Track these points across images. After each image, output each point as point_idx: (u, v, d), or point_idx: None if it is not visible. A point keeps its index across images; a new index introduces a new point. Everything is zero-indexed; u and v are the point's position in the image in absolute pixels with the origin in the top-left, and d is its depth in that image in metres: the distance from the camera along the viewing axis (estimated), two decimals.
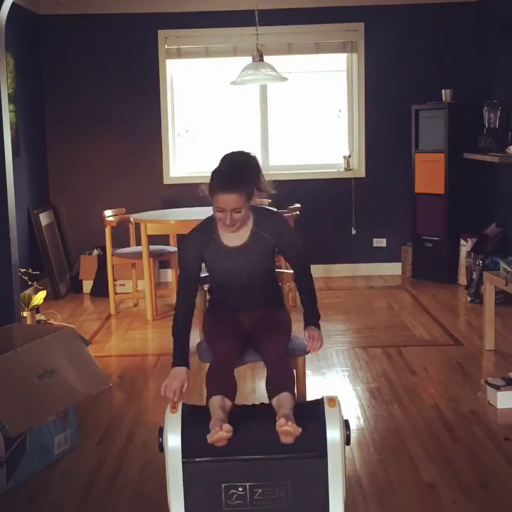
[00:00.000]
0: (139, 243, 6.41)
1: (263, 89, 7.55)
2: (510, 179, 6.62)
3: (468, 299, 6.39)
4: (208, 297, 3.58)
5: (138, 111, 7.45)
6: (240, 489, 2.74)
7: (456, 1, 7.30)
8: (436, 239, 7.18)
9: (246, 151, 3.29)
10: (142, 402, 4.37)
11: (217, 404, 2.91)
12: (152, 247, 6.25)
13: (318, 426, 2.77)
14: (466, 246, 6.87)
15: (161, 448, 2.79)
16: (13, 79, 6.46)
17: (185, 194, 7.37)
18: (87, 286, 7.17)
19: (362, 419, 3.99)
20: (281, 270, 3.82)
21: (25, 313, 5.37)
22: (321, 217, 7.41)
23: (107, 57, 7.40)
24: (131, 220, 6.48)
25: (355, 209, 7.56)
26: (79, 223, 7.55)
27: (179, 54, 7.40)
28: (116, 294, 6.46)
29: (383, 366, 4.83)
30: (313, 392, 3.69)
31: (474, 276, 6.31)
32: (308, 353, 3.36)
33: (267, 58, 6.27)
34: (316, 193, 7.44)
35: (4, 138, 4.50)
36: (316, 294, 3.46)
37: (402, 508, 3.09)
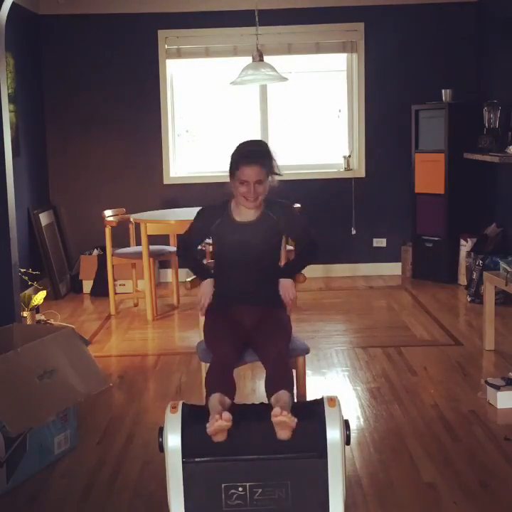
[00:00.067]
0: (139, 243, 6.41)
1: (263, 89, 7.55)
2: (510, 179, 6.62)
3: (468, 299, 6.39)
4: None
5: (138, 111, 7.45)
6: (240, 489, 2.74)
7: (456, 1, 7.31)
8: (436, 239, 7.18)
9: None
10: (142, 402, 4.37)
11: (217, 400, 2.91)
12: (152, 247, 6.25)
13: (318, 426, 2.78)
14: (466, 246, 6.87)
15: (161, 448, 2.79)
16: (13, 79, 6.46)
17: (185, 194, 7.38)
18: (87, 286, 7.18)
19: (362, 419, 3.99)
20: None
21: (25, 313, 5.37)
22: (321, 217, 7.40)
23: (107, 57, 7.40)
24: (131, 220, 6.48)
25: (355, 209, 7.56)
26: (79, 223, 7.55)
27: (179, 54, 7.40)
28: (116, 294, 6.46)
29: (383, 366, 4.83)
30: (313, 392, 3.69)
31: (474, 276, 6.31)
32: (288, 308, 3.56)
33: (267, 58, 6.27)
34: (316, 193, 7.44)
35: (4, 138, 4.50)
36: (309, 258, 3.66)
37: (402, 508, 3.09)
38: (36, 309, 5.70)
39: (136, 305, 6.67)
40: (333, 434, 2.75)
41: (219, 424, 2.71)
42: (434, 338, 5.44)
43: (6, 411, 3.24)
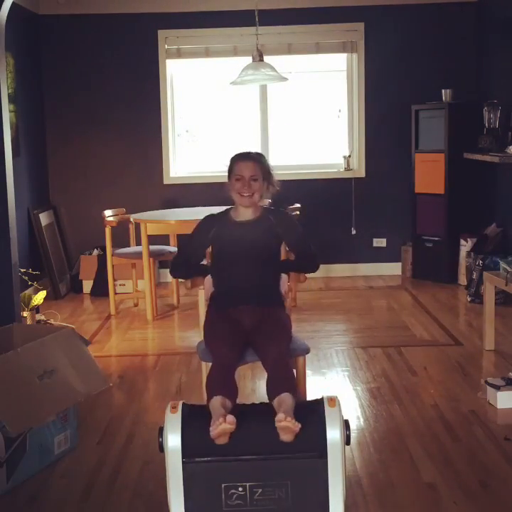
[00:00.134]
0: (139, 243, 6.41)
1: (263, 89, 7.55)
2: (510, 179, 6.62)
3: (468, 299, 6.39)
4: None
5: (138, 111, 7.45)
6: (240, 489, 2.74)
7: (456, 1, 7.31)
8: (436, 239, 7.18)
9: None
10: (142, 402, 4.37)
11: (219, 403, 2.89)
12: (152, 247, 6.25)
13: (318, 426, 2.77)
14: (466, 246, 6.87)
15: (161, 448, 2.79)
16: (13, 79, 6.46)
17: (185, 194, 7.38)
18: (87, 286, 7.17)
19: (362, 419, 3.99)
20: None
21: (25, 313, 5.37)
22: (321, 217, 7.40)
23: (107, 57, 7.40)
24: (131, 220, 6.48)
25: (355, 209, 7.56)
26: (79, 223, 7.55)
27: (179, 54, 7.40)
28: (116, 294, 6.46)
29: (383, 366, 4.83)
30: (313, 392, 3.69)
31: (474, 276, 6.31)
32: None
33: (267, 58, 6.27)
34: (316, 193, 7.44)
35: (4, 138, 4.50)
36: (306, 266, 3.69)
37: (402, 508, 3.09)
38: (36, 309, 5.70)
39: (136, 305, 6.67)
40: (333, 434, 2.75)
41: (223, 427, 2.71)
42: (434, 338, 5.44)
43: (6, 411, 3.24)
